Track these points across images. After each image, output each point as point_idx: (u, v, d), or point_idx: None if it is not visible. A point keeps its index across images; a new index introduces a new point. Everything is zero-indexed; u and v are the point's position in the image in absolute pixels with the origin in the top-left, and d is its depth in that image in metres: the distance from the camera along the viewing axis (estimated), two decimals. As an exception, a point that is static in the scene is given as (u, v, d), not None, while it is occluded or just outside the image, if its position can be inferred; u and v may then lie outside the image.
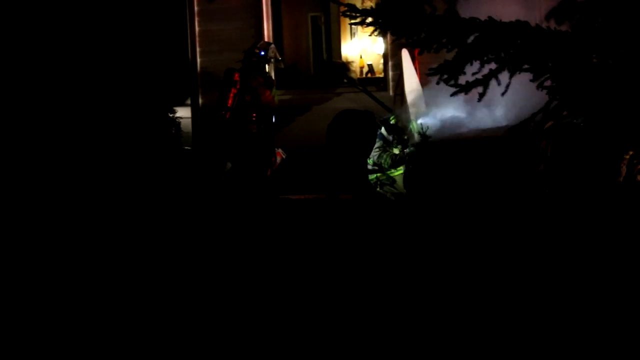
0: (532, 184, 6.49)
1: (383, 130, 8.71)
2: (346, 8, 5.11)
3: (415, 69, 9.58)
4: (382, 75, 10.62)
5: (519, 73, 4.56)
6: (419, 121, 8.37)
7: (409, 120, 8.70)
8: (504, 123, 7.40)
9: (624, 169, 4.35)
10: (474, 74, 4.57)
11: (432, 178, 7.91)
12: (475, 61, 4.55)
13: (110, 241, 7.25)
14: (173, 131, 10.12)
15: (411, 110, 8.75)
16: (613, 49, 4.18)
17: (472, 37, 4.53)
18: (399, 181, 8.70)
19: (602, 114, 4.26)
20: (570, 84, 4.41)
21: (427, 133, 8.13)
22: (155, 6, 11.02)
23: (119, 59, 10.27)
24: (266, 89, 9.18)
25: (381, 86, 10.39)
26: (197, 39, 10.99)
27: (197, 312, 5.38)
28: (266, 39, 10.70)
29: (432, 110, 8.53)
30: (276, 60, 9.51)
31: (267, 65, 9.50)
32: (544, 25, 4.42)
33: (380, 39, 10.46)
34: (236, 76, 9.15)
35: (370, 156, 8.73)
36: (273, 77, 9.72)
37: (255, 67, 9.22)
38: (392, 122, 8.74)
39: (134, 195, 8.94)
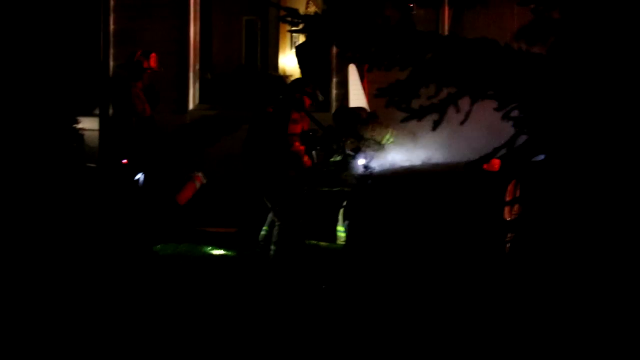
0: (492, 232, 6.43)
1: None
2: (286, 13, 4.97)
3: (364, 88, 9.53)
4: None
5: (482, 100, 4.48)
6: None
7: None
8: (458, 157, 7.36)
9: None
10: (429, 97, 4.47)
11: (371, 221, 7.83)
12: (432, 83, 4.45)
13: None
14: (74, 145, 9.86)
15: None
16: (592, 79, 4.12)
17: (430, 55, 4.43)
18: None
19: (576, 153, 4.19)
20: (540, 115, 4.33)
21: (371, 164, 8.07)
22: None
23: (10, 58, 9.95)
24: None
25: (322, 105, 10.30)
26: (111, 38, 10.74)
27: None
28: (192, 42, 10.55)
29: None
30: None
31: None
32: (515, 46, 4.35)
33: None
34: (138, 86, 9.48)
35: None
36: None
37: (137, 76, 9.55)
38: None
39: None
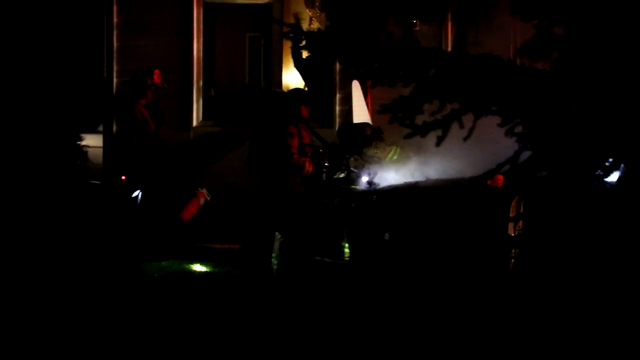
0: (495, 249, 6.43)
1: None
2: (289, 29, 4.99)
3: (367, 104, 9.55)
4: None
5: (486, 116, 4.48)
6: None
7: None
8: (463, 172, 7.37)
9: None
10: (433, 113, 4.47)
11: (374, 236, 7.82)
12: (436, 99, 4.45)
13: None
14: (78, 162, 9.88)
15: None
16: (597, 93, 4.13)
17: (433, 71, 4.43)
18: None
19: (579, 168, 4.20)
20: (544, 131, 4.33)
21: (375, 180, 8.06)
22: (65, 14, 10.79)
23: (15, 75, 9.99)
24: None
25: (326, 122, 10.32)
26: (114, 55, 10.77)
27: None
28: (195, 59, 10.58)
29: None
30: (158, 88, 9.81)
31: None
32: (519, 61, 4.36)
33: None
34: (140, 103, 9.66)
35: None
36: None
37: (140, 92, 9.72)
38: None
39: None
